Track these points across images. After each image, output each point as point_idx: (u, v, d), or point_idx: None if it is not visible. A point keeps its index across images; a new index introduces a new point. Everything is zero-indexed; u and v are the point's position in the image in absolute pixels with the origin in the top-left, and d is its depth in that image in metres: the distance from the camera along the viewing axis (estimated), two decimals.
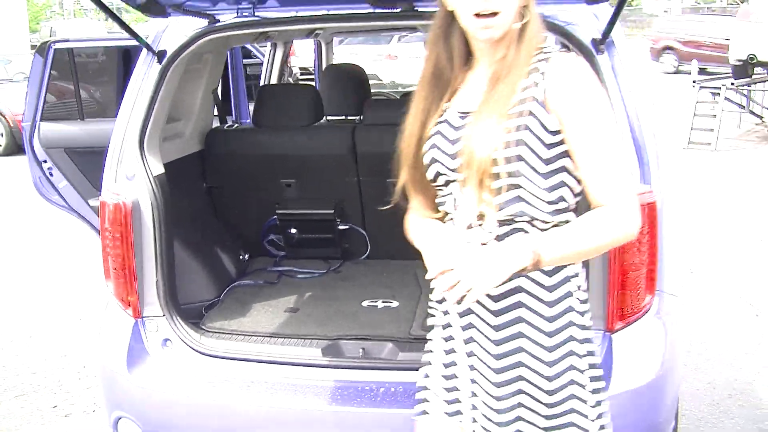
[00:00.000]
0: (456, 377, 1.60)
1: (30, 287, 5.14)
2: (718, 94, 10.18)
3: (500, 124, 1.44)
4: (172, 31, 2.45)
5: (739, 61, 11.90)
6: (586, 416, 1.51)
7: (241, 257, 3.16)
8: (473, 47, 1.57)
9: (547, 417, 1.50)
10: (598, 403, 1.54)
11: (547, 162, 1.45)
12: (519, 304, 1.48)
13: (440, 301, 1.60)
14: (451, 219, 1.55)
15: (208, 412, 2.24)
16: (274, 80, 4.60)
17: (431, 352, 1.67)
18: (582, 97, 1.45)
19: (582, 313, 1.53)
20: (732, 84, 10.55)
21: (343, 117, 3.68)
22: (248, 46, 6.63)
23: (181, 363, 2.35)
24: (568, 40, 2.26)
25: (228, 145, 3.12)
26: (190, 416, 2.27)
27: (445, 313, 1.60)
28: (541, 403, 1.50)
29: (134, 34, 2.45)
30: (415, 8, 2.27)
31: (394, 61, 14.95)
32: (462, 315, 1.54)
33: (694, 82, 10.79)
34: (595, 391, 1.53)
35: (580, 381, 1.51)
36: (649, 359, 2.16)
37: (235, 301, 2.78)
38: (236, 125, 3.78)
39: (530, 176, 1.44)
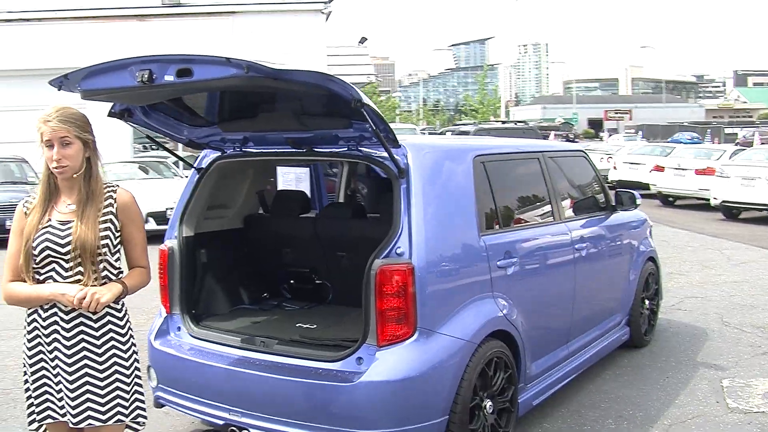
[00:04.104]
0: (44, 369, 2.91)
1: None
2: None
3: (96, 227, 2.85)
4: (206, 157, 4.50)
5: None
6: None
7: (264, 295, 5.05)
8: (58, 181, 2.89)
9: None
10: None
11: (115, 245, 2.94)
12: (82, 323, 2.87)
13: (30, 322, 2.90)
14: (51, 281, 2.84)
15: (186, 365, 4.16)
16: (342, 191, 6.38)
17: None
18: (133, 214, 3.00)
19: (122, 327, 2.96)
20: None
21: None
22: None
23: (182, 340, 4.31)
24: (381, 168, 3.87)
25: (257, 225, 5.07)
26: (177, 367, 4.19)
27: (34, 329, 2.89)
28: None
29: (179, 158, 4.59)
30: (314, 150, 4.10)
31: None
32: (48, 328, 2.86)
33: None
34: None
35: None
36: (398, 366, 3.63)
37: (233, 313, 4.66)
38: (265, 214, 5.35)
39: (110, 254, 2.91)
